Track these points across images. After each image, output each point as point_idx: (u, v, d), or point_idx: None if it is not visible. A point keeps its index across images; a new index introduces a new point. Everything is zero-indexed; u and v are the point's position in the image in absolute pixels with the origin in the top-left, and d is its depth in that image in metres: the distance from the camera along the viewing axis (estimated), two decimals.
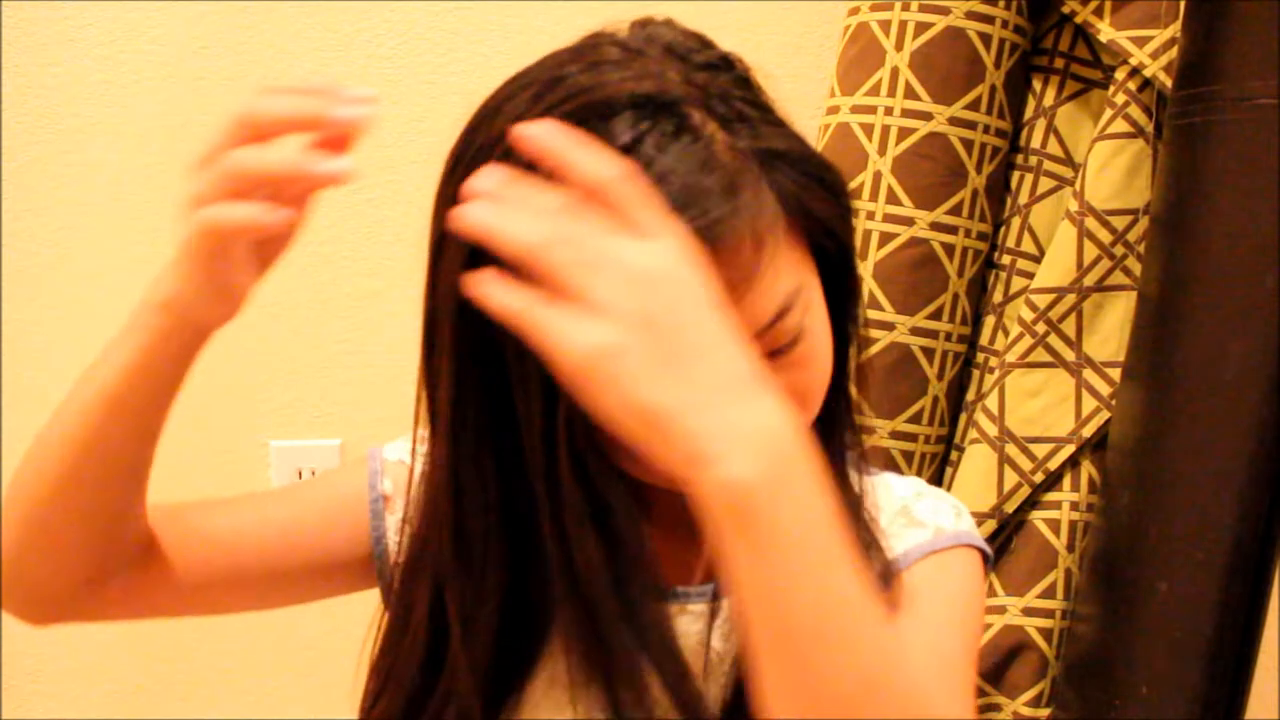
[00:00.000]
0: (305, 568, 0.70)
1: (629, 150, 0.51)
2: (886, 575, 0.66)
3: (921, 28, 1.15)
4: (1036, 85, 1.20)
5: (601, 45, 0.57)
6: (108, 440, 0.61)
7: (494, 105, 0.56)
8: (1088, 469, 1.15)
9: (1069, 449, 1.14)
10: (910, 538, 0.69)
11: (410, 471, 0.68)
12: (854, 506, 0.68)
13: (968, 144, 1.16)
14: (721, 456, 0.44)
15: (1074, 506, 1.15)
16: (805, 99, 1.35)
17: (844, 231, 0.61)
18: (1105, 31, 1.12)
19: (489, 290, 0.46)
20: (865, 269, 1.16)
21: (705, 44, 0.59)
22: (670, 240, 0.47)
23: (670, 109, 0.54)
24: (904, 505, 0.72)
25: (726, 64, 0.59)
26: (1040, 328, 1.14)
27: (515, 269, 0.46)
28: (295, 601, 0.72)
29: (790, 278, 0.58)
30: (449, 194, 0.55)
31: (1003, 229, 1.22)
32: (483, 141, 0.55)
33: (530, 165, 0.49)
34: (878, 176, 1.16)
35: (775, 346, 0.58)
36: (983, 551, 0.72)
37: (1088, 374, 1.15)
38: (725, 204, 0.53)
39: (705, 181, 0.52)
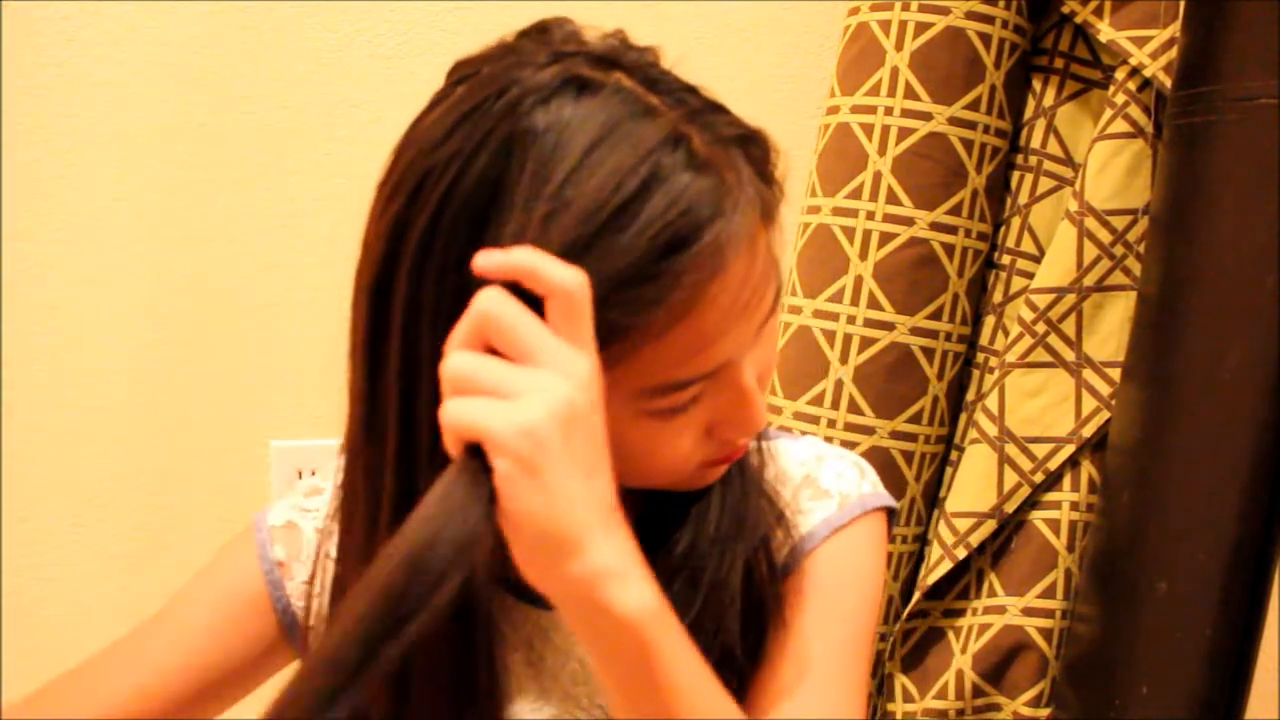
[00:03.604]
0: (229, 680, 0.68)
1: (636, 176, 0.51)
2: (793, 558, 0.68)
3: (921, 28, 1.14)
4: (1036, 85, 1.20)
5: (534, 59, 0.55)
6: None
7: (444, 132, 0.54)
8: (1088, 469, 1.15)
9: (1069, 449, 1.14)
10: (816, 512, 0.70)
11: (300, 531, 0.69)
12: (756, 478, 0.68)
13: (968, 144, 1.16)
14: (626, 584, 0.48)
15: (1074, 506, 1.15)
16: (805, 99, 1.35)
17: (783, 190, 0.62)
18: (1105, 31, 1.12)
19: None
20: (865, 269, 1.16)
21: (627, 40, 0.59)
22: (591, 360, 0.49)
23: (652, 115, 0.53)
24: (807, 474, 0.72)
25: (653, 55, 0.59)
26: (1040, 328, 1.14)
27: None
28: (230, 705, 0.70)
29: (776, 254, 0.59)
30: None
31: (1003, 229, 1.22)
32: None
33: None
34: (878, 176, 1.16)
35: (761, 327, 0.59)
36: (888, 508, 0.72)
37: (1088, 374, 1.14)
38: (737, 206, 0.54)
39: (711, 187, 0.53)
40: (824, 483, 0.71)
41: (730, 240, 0.53)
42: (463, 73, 0.57)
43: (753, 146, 0.57)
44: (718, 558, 0.64)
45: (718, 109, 0.58)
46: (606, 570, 0.48)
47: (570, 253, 0.50)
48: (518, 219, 0.51)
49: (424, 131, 0.55)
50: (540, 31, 0.58)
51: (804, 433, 1.17)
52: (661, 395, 0.56)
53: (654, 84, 0.55)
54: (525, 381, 0.47)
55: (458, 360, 0.47)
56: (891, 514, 0.73)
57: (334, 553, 0.65)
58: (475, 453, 0.46)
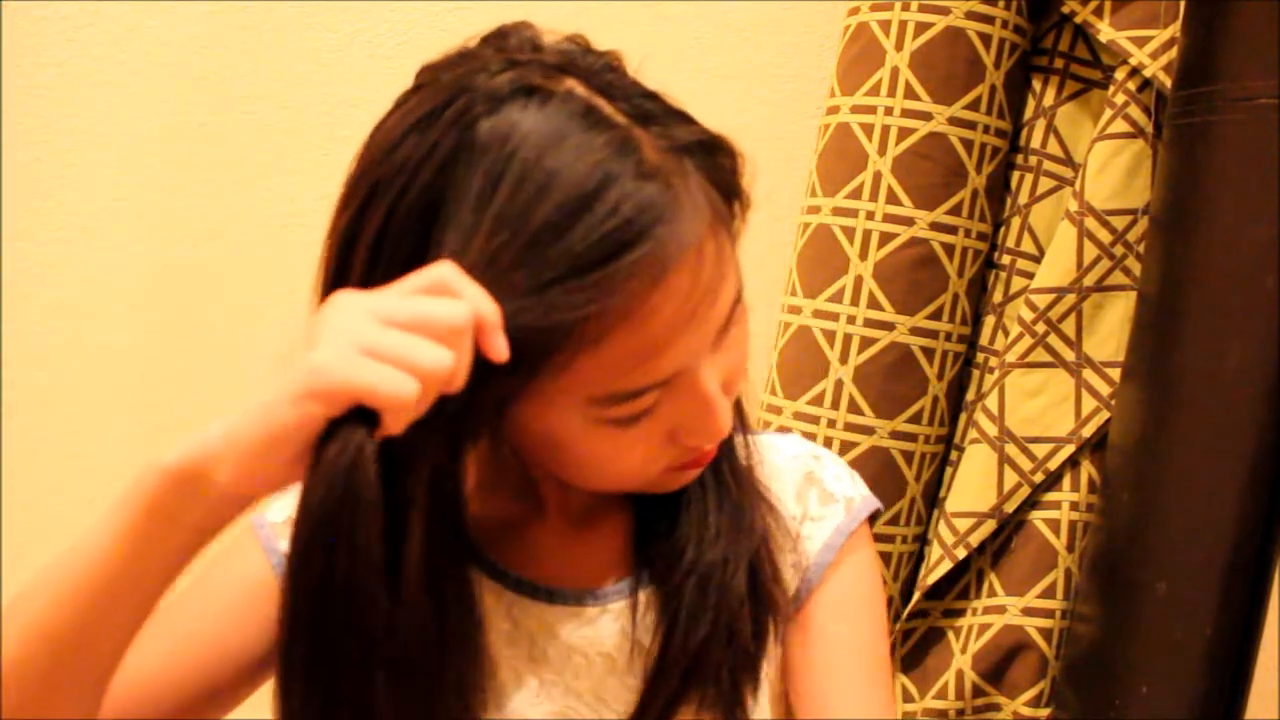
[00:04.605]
0: (241, 668, 0.66)
1: (580, 186, 0.51)
2: (814, 574, 0.69)
3: (921, 28, 1.14)
4: (1036, 85, 1.20)
5: (488, 65, 0.55)
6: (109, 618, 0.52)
7: (394, 142, 0.54)
8: (1088, 469, 1.15)
9: (1069, 449, 1.14)
10: (829, 519, 0.70)
11: None
12: (748, 477, 0.68)
13: (968, 144, 1.16)
14: None
15: (1074, 506, 1.15)
16: (805, 99, 1.35)
17: (747, 199, 0.61)
18: (1105, 31, 1.13)
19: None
20: (865, 269, 1.16)
21: (586, 46, 0.59)
22: None
23: (603, 124, 0.53)
24: (808, 471, 0.72)
25: (612, 60, 0.58)
26: (1040, 328, 1.14)
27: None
28: (252, 690, 0.68)
29: (735, 262, 0.58)
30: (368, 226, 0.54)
31: (1003, 229, 1.22)
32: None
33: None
34: (878, 176, 1.16)
35: (723, 334, 0.58)
36: (875, 510, 0.74)
37: (1087, 374, 1.15)
38: (682, 214, 0.53)
39: (656, 194, 0.52)
40: (829, 484, 0.72)
41: (673, 249, 0.53)
42: (424, 79, 0.57)
43: (712, 154, 0.57)
44: (722, 563, 0.64)
45: (675, 115, 0.57)
46: None
47: (510, 259, 0.50)
48: (461, 228, 0.51)
49: (378, 139, 0.55)
50: (499, 37, 0.58)
51: (804, 433, 1.17)
52: (614, 404, 0.56)
53: (608, 90, 0.55)
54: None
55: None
56: (875, 515, 0.75)
57: None
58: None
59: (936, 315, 1.17)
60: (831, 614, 0.68)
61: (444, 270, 0.50)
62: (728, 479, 0.67)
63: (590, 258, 0.51)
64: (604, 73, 0.56)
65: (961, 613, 1.19)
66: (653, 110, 0.56)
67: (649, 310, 0.53)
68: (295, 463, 0.49)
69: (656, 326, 0.54)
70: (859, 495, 0.72)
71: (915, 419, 1.18)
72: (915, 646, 1.21)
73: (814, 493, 0.71)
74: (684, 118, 0.57)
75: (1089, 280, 1.13)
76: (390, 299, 0.49)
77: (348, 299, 0.50)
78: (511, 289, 0.50)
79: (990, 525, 1.15)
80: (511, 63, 0.55)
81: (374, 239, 0.53)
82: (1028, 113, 1.21)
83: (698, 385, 0.58)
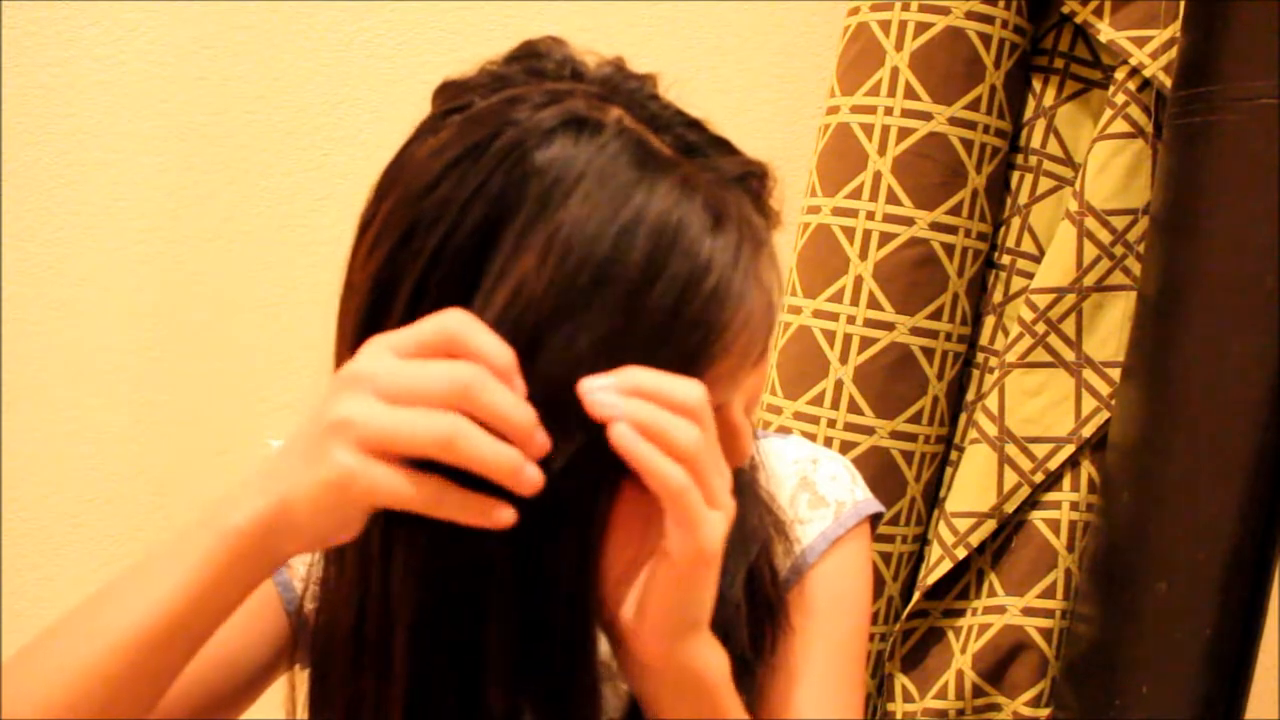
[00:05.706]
0: (239, 679, 0.67)
1: (653, 235, 0.50)
2: (794, 572, 0.70)
3: (921, 28, 1.14)
4: (1036, 85, 1.20)
5: (529, 96, 0.52)
6: (153, 668, 0.53)
7: (433, 177, 0.51)
8: (1088, 469, 1.15)
9: (1069, 449, 1.14)
10: (815, 522, 0.71)
11: None
12: (752, 485, 0.68)
13: (968, 144, 1.16)
14: (718, 655, 0.57)
15: (1074, 506, 1.15)
16: (805, 99, 1.35)
17: (779, 220, 0.60)
18: (1105, 31, 1.13)
19: (651, 461, 0.49)
20: (865, 269, 1.16)
21: (624, 68, 0.56)
22: None
23: (656, 162, 0.51)
24: (803, 476, 0.72)
25: (651, 85, 0.56)
26: (1040, 328, 1.15)
27: None
28: (240, 710, 0.69)
29: (775, 298, 0.58)
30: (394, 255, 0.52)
31: (1003, 229, 1.22)
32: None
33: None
34: (878, 176, 1.16)
35: (755, 364, 0.58)
36: (874, 513, 0.74)
37: (1087, 374, 1.15)
38: (753, 262, 0.53)
39: (730, 249, 0.51)
40: (821, 487, 0.72)
41: (749, 306, 0.52)
42: (451, 102, 0.54)
43: (755, 183, 0.56)
44: (720, 571, 0.64)
45: (718, 145, 0.56)
46: (709, 645, 0.56)
47: (574, 310, 0.49)
48: (520, 268, 0.49)
49: (411, 172, 0.52)
50: (531, 56, 0.56)
51: (803, 433, 1.17)
52: None
53: (654, 121, 0.53)
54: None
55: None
56: (878, 517, 0.74)
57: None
58: None
59: (936, 315, 1.17)
60: (802, 610, 0.69)
61: (452, 319, 0.48)
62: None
63: (676, 318, 0.50)
64: (647, 101, 0.54)
65: (961, 613, 1.19)
66: (697, 142, 0.54)
67: (708, 358, 0.52)
68: (356, 515, 0.49)
69: (710, 371, 0.53)
70: (851, 500, 0.72)
71: (915, 419, 1.18)
72: (915, 646, 1.21)
73: (805, 497, 0.72)
74: (726, 147, 0.56)
75: (1089, 280, 1.13)
76: (389, 367, 0.48)
77: (356, 367, 0.49)
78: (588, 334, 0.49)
79: (990, 525, 1.15)
80: (554, 95, 0.52)
81: (419, 278, 0.51)
82: (1028, 113, 1.21)
83: (729, 416, 0.57)
